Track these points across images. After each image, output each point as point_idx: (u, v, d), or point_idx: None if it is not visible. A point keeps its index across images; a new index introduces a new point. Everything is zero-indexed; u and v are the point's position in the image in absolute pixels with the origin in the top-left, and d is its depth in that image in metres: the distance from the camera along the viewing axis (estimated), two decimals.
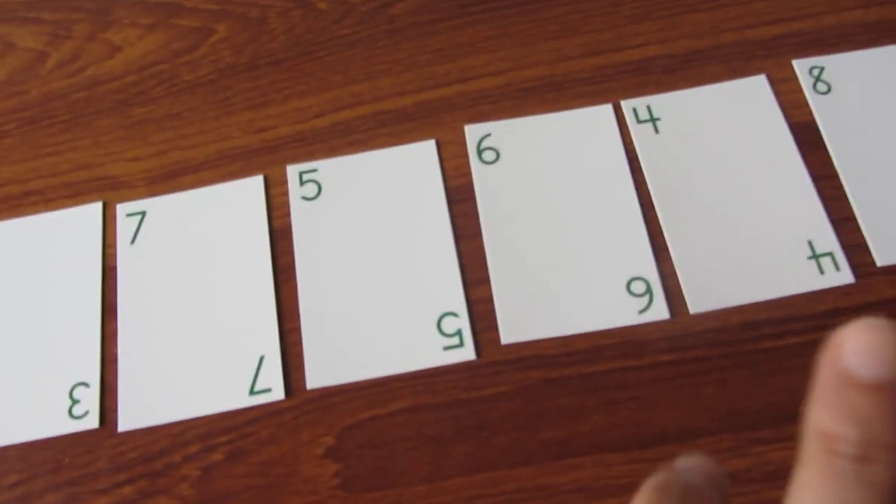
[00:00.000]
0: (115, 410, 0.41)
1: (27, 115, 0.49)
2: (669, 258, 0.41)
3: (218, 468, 0.39)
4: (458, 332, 0.40)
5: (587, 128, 0.45)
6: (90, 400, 0.41)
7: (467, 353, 0.40)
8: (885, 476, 0.18)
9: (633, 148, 0.44)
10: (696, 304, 0.40)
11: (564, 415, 0.39)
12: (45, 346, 0.43)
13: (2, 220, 0.46)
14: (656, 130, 0.44)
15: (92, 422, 0.41)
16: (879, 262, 0.40)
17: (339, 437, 0.39)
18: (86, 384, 0.41)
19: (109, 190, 0.46)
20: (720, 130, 0.43)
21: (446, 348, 0.40)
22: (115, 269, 0.44)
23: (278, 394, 0.40)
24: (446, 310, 0.41)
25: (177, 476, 0.39)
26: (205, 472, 0.39)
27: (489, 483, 0.38)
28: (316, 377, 0.40)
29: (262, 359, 0.41)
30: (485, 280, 0.42)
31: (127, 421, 0.41)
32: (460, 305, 0.41)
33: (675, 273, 0.41)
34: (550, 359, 0.40)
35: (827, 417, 0.19)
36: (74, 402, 0.41)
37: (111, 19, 0.51)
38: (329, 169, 0.45)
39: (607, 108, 0.45)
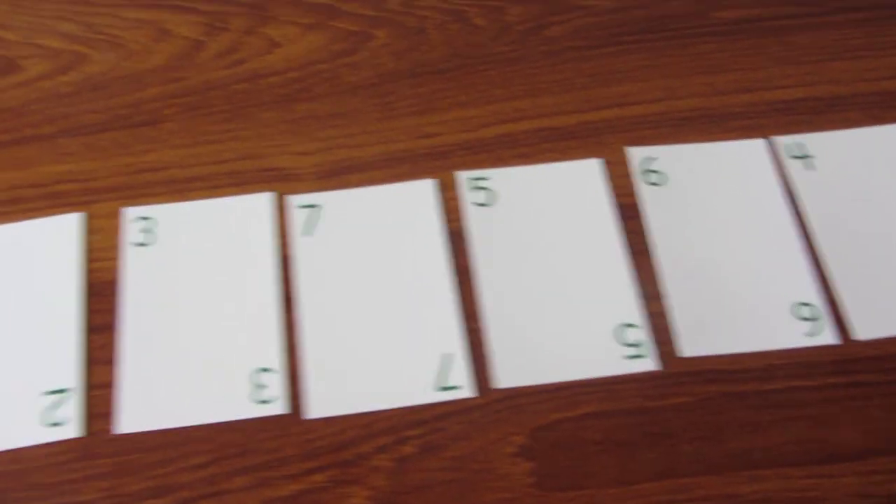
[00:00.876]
0: (300, 398, 0.41)
1: (187, 101, 0.50)
2: (832, 285, 0.44)
3: (411, 461, 0.40)
4: (640, 343, 0.43)
5: (743, 159, 0.48)
6: (276, 386, 0.42)
7: (649, 364, 0.42)
8: None
9: (787, 181, 0.47)
10: (863, 330, 0.43)
11: (744, 428, 0.41)
12: (225, 330, 0.43)
13: (167, 202, 0.46)
14: (810, 167, 0.47)
15: (279, 408, 0.41)
16: None
17: (531, 437, 0.41)
18: (270, 370, 0.42)
19: (277, 181, 0.47)
20: (872, 169, 0.47)
21: (628, 357, 0.42)
22: (289, 258, 0.45)
23: (468, 391, 0.41)
24: (625, 321, 0.43)
25: (368, 466, 0.40)
26: (398, 464, 0.40)
27: (678, 489, 0.40)
28: (504, 377, 0.42)
29: (447, 357, 0.42)
30: (657, 296, 0.44)
31: (314, 409, 0.41)
32: (638, 317, 0.43)
33: (838, 300, 0.44)
34: (727, 374, 0.42)
35: None
36: (259, 387, 0.42)
37: (268, 16, 0.52)
38: (499, 178, 0.47)
39: (760, 143, 0.48)
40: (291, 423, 0.41)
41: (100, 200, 0.46)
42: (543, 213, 0.46)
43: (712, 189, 0.47)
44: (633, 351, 0.42)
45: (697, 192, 0.47)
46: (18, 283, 0.44)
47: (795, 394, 0.42)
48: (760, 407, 0.42)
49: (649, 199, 0.46)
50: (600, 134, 0.48)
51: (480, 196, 0.46)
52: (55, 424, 0.41)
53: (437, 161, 0.47)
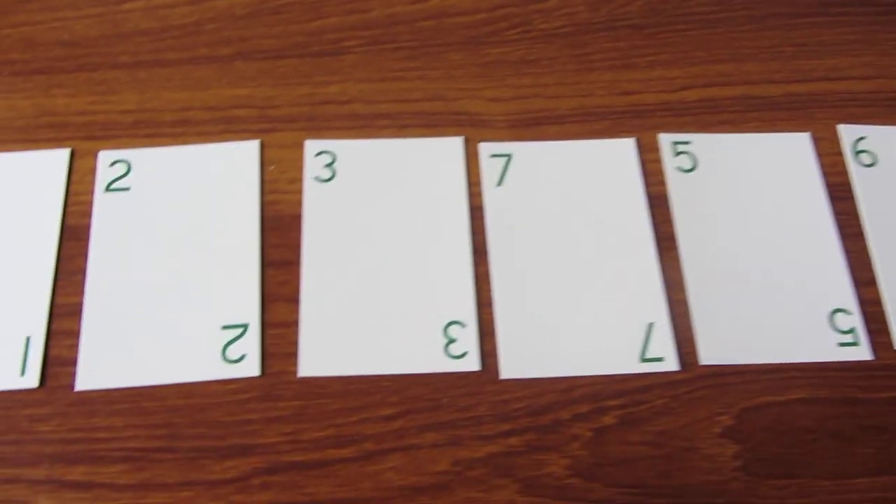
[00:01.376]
0: (494, 355, 0.39)
1: (370, 34, 0.47)
2: None
3: (611, 432, 0.38)
4: (853, 330, 0.40)
5: None
6: (468, 341, 0.39)
7: (863, 353, 0.39)
8: None
9: None
10: None
11: None
12: (413, 278, 0.40)
13: (350, 137, 0.43)
14: None
15: (472, 364, 0.38)
16: None
17: (738, 419, 0.38)
18: (461, 323, 0.39)
19: (469, 126, 0.44)
20: None
21: (841, 345, 0.39)
22: (481, 209, 0.42)
23: (671, 364, 0.39)
24: (837, 306, 0.40)
25: (567, 434, 0.38)
26: (597, 435, 0.38)
27: (894, 487, 0.37)
28: (709, 353, 0.39)
29: (650, 326, 0.40)
30: (871, 282, 0.41)
31: (510, 369, 0.39)
32: (852, 303, 0.40)
33: None
34: None
35: None
36: (451, 340, 0.39)
37: None
38: (703, 143, 0.44)
39: None
40: (485, 381, 0.38)
41: (278, 130, 0.44)
42: (749, 184, 0.43)
43: None
44: (845, 338, 0.39)
45: None
46: (194, 208, 0.41)
47: None
48: None
49: (861, 180, 0.43)
50: (808, 107, 0.45)
51: (684, 161, 0.43)
52: (234, 361, 0.38)
53: (638, 120, 0.44)
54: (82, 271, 0.40)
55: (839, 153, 0.44)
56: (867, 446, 0.38)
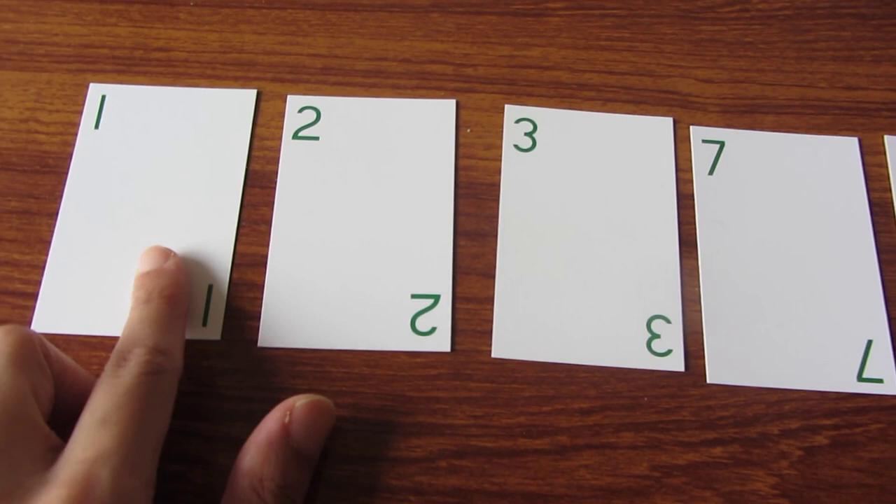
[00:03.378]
0: (700, 357, 0.36)
1: None
2: None
3: (822, 453, 0.35)
4: None
5: None
6: (673, 338, 0.36)
7: None
8: None
9: None
10: None
11: None
12: (617, 263, 0.38)
13: (551, 106, 0.41)
14: None
15: (676, 363, 0.36)
16: None
17: None
18: (666, 319, 0.37)
19: (678, 107, 0.41)
20: None
21: None
22: (690, 197, 0.39)
23: (891, 387, 0.36)
24: None
25: (775, 450, 0.35)
26: (808, 455, 0.35)
27: None
28: None
29: (870, 343, 0.36)
30: None
31: (717, 373, 0.36)
32: None
33: None
34: None
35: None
36: (654, 336, 0.36)
37: None
38: None
39: None
40: (688, 384, 0.36)
41: (475, 91, 0.41)
42: None
43: None
44: None
45: None
46: (386, 165, 0.40)
47: None
48: None
49: None
50: None
51: None
52: (424, 333, 0.36)
53: (861, 119, 0.41)
54: (267, 221, 0.38)
55: None
56: None
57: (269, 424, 0.31)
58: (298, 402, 0.31)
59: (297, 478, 0.31)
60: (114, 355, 0.30)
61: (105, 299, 0.36)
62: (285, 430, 0.31)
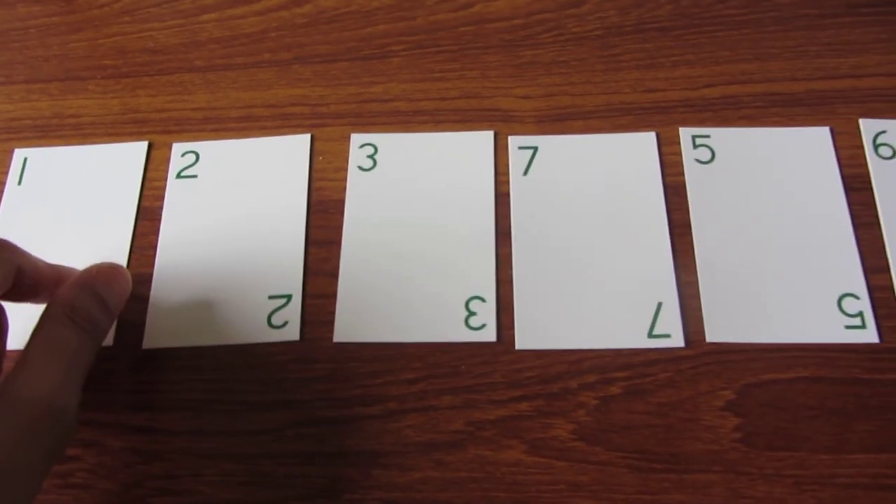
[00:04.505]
0: (511, 328, 0.42)
1: (415, 39, 0.51)
2: None
3: (616, 401, 0.40)
4: (860, 314, 0.41)
5: None
6: (487, 314, 0.42)
7: (870, 336, 0.41)
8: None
9: None
10: None
11: None
12: (443, 256, 0.44)
13: (391, 132, 0.48)
14: None
15: (489, 335, 0.42)
16: None
17: (740, 393, 0.40)
18: (482, 298, 0.43)
19: (500, 122, 0.48)
20: None
21: (847, 328, 0.41)
22: (507, 195, 0.46)
23: (677, 341, 0.41)
24: (846, 290, 0.42)
25: (574, 401, 0.40)
26: (602, 403, 0.40)
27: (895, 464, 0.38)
28: (715, 331, 0.41)
29: (659, 305, 0.42)
30: (883, 269, 0.42)
31: (524, 340, 0.42)
32: (861, 289, 0.42)
33: None
34: None
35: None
36: (471, 313, 0.42)
37: None
38: (722, 137, 0.46)
39: None
40: (500, 351, 0.42)
41: (327, 125, 0.49)
42: (765, 176, 0.45)
43: None
44: (853, 321, 0.41)
45: None
46: (252, 193, 0.47)
47: None
48: None
49: (878, 172, 0.45)
50: (831, 103, 0.47)
51: (702, 153, 0.46)
52: (278, 327, 0.43)
53: (660, 115, 0.47)
54: (153, 247, 0.46)
55: (859, 146, 0.46)
56: (868, 424, 0.40)
57: (84, 273, 0.40)
58: (104, 265, 0.41)
59: (99, 315, 0.39)
60: None
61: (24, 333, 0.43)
62: (92, 278, 0.39)
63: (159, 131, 0.49)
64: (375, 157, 0.47)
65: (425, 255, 0.44)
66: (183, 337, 0.43)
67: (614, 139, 0.47)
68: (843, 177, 0.45)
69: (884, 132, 0.46)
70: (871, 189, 0.45)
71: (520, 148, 0.47)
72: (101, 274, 0.40)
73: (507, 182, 0.46)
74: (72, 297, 0.38)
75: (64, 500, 0.40)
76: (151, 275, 0.45)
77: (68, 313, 0.37)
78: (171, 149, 0.49)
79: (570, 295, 0.42)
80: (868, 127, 0.46)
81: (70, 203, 0.47)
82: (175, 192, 0.47)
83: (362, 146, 0.47)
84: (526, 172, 0.46)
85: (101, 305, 0.39)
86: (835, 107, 0.47)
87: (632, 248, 0.43)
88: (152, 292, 0.44)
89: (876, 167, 0.45)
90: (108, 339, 0.43)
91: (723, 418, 0.40)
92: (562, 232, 0.44)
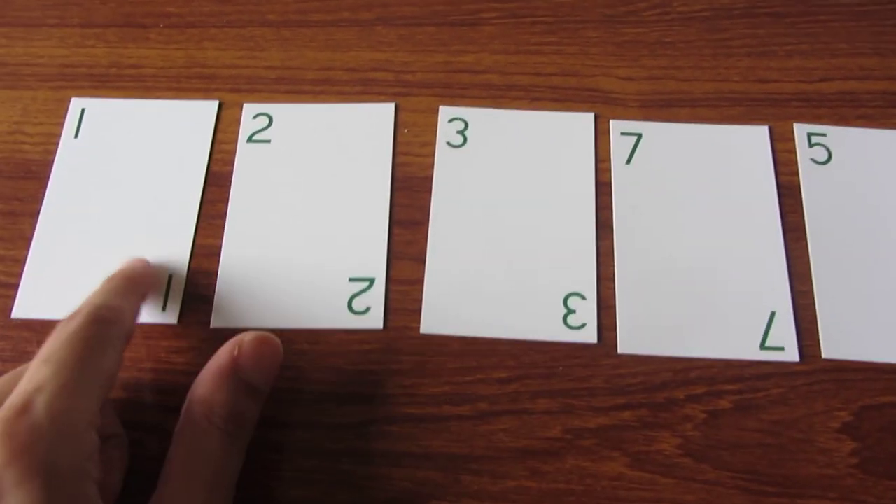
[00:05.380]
0: (612, 330, 0.39)
1: (509, 7, 0.48)
2: None
3: (725, 416, 0.38)
4: None
5: None
6: (587, 313, 0.40)
7: None
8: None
9: None
10: None
11: None
12: (538, 247, 0.41)
13: (482, 106, 0.44)
14: None
15: (590, 335, 0.39)
16: None
17: (857, 416, 0.38)
18: (581, 296, 0.40)
19: (600, 103, 0.44)
20: None
21: None
22: (608, 184, 0.42)
23: (791, 355, 0.39)
24: None
25: (680, 413, 0.38)
26: (711, 417, 0.38)
27: None
28: (832, 347, 0.39)
29: (773, 315, 0.39)
30: None
31: (627, 344, 0.39)
32: None
33: None
34: None
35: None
36: (570, 311, 0.39)
37: None
38: (839, 136, 0.43)
39: None
40: (601, 354, 0.39)
41: (413, 94, 0.45)
42: (884, 180, 0.42)
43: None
44: None
45: None
46: (330, 163, 0.43)
47: None
48: None
49: None
50: None
51: (818, 152, 0.43)
52: (359, 313, 0.39)
53: (773, 109, 0.44)
54: (222, 216, 0.42)
55: None
56: None
57: (220, 357, 0.34)
58: (247, 337, 0.34)
59: (246, 407, 0.34)
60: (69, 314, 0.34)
61: (80, 288, 0.40)
62: (234, 362, 0.33)
63: (228, 89, 0.46)
64: (466, 132, 0.43)
65: (520, 244, 0.41)
66: (254, 318, 0.40)
67: (725, 130, 0.43)
68: None
69: None
70: None
71: (622, 134, 0.43)
72: (245, 357, 0.34)
73: (609, 170, 0.43)
74: (211, 393, 0.33)
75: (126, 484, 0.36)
76: (220, 247, 0.41)
77: (209, 415, 0.32)
78: (242, 109, 0.45)
79: (675, 297, 0.40)
80: None
81: (131, 162, 0.44)
82: (246, 158, 0.43)
83: (452, 120, 0.44)
84: (629, 161, 0.43)
85: (248, 394, 0.34)
86: None
87: (742, 250, 0.40)
88: (220, 267, 0.41)
89: None
90: (173, 317, 0.40)
91: (838, 441, 0.37)
92: (667, 228, 0.41)
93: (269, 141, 0.44)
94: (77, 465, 0.29)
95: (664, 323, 0.39)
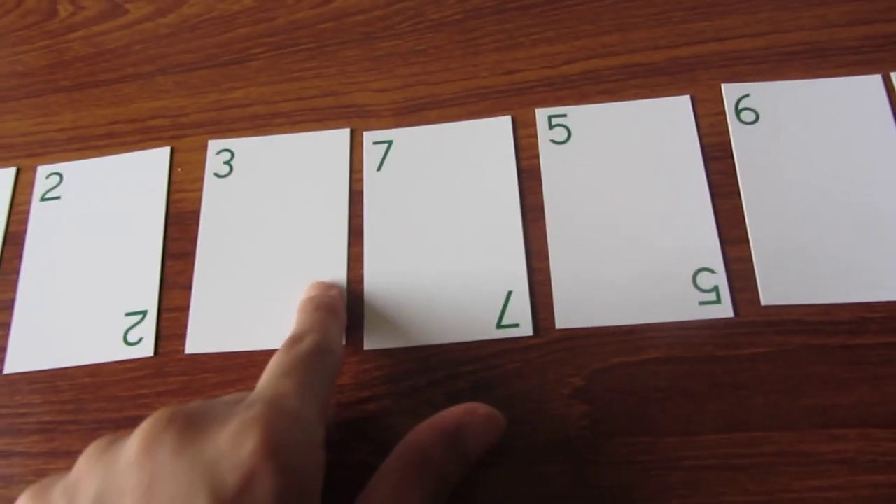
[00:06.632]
0: (360, 329, 0.41)
1: (274, 40, 0.50)
2: None
3: (463, 396, 0.39)
4: (715, 289, 0.40)
5: (852, 97, 0.43)
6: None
7: (724, 311, 0.39)
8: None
9: None
10: None
11: (827, 384, 0.38)
12: (294, 268, 0.43)
13: (249, 135, 0.47)
14: None
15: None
16: None
17: (588, 380, 0.39)
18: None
19: (356, 117, 0.47)
20: None
21: (702, 304, 0.39)
22: (361, 193, 0.44)
23: (526, 330, 0.40)
24: (702, 265, 0.40)
25: (421, 399, 0.39)
26: (450, 399, 0.39)
27: (746, 443, 0.37)
28: (565, 318, 0.40)
29: (509, 294, 0.41)
30: (742, 240, 0.41)
31: (372, 342, 0.41)
32: (717, 262, 0.40)
33: None
34: (812, 325, 0.39)
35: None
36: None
37: None
38: (579, 115, 0.45)
39: (875, 79, 0.44)
40: (350, 353, 0.41)
41: (187, 135, 0.48)
42: (621, 151, 0.44)
43: (810, 128, 0.43)
44: (707, 297, 0.40)
45: (792, 131, 0.43)
46: (113, 212, 0.46)
47: (889, 350, 0.38)
48: (847, 363, 0.38)
49: (739, 139, 0.43)
50: (693, 70, 0.45)
51: (558, 133, 0.44)
52: (133, 344, 0.42)
53: (518, 98, 0.46)
54: (17, 271, 0.46)
55: (721, 113, 0.44)
56: (720, 403, 0.38)
57: (451, 416, 0.35)
58: (482, 409, 0.35)
59: (451, 471, 0.33)
60: (289, 338, 0.36)
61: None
62: (462, 427, 0.34)
63: (25, 155, 0.49)
64: (232, 162, 0.46)
65: (275, 260, 0.43)
66: (46, 359, 0.43)
67: (468, 126, 0.45)
68: (702, 146, 0.43)
69: (746, 96, 0.44)
70: (732, 157, 0.42)
71: (374, 143, 0.46)
72: (476, 424, 0.35)
73: (362, 179, 0.45)
74: (429, 445, 0.34)
75: None
76: (14, 300, 0.45)
77: (419, 464, 0.33)
78: (35, 172, 0.48)
79: (416, 291, 0.42)
80: (730, 92, 0.44)
81: None
82: (39, 216, 0.47)
83: (219, 152, 0.47)
84: (380, 168, 0.45)
85: (461, 459, 0.34)
86: (696, 73, 0.45)
87: (483, 237, 0.42)
88: (14, 316, 0.44)
89: (737, 133, 0.43)
90: None
91: (570, 406, 0.38)
92: (413, 227, 0.43)
93: (59, 197, 0.48)
94: (315, 473, 0.30)
95: (405, 316, 0.41)
